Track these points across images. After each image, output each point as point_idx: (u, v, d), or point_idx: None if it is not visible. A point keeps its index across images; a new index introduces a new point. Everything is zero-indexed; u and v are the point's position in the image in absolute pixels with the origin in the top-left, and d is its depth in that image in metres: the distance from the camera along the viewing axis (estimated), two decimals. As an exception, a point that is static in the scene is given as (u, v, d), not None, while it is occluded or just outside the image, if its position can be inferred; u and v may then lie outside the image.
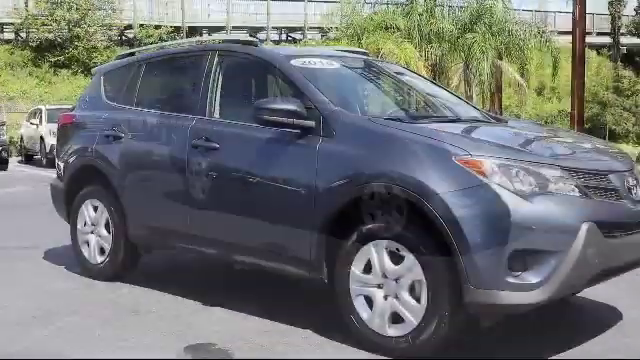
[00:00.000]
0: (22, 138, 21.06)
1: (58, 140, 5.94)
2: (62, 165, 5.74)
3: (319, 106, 4.05)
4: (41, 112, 19.47)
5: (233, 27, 33.46)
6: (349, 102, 4.32)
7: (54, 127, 17.94)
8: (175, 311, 4.61)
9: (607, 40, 38.19)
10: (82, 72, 29.65)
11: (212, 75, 4.72)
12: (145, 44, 33.55)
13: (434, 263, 3.50)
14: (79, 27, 29.12)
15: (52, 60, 29.33)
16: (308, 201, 3.93)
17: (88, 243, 5.51)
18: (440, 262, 3.48)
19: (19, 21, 29.76)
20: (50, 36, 29.26)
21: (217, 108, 4.69)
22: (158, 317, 4.49)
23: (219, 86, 4.72)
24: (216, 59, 4.76)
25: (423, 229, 3.54)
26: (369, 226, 3.73)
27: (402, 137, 3.72)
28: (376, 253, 3.72)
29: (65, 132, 5.84)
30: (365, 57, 5.29)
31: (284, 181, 4.08)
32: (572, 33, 15.80)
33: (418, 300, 3.58)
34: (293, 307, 4.66)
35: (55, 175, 6.04)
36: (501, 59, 20.00)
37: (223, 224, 4.47)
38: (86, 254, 5.52)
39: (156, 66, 5.36)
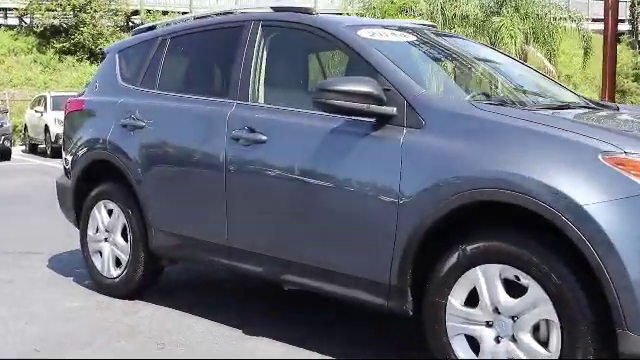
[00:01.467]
0: (26, 127, 20.17)
1: (65, 130, 5.04)
2: (69, 159, 4.84)
3: (401, 88, 3.14)
4: (46, 99, 18.58)
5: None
6: (435, 83, 3.40)
7: (59, 115, 17.16)
8: (209, 342, 3.72)
9: (625, 27, 37.08)
10: (88, 59, 29.34)
11: (255, 51, 3.81)
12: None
13: (572, 298, 2.59)
14: (84, 12, 28.63)
15: (57, 46, 28.99)
16: (389, 211, 3.03)
17: (101, 253, 4.62)
18: (581, 297, 2.58)
19: (23, 6, 29.09)
20: (55, 21, 28.92)
21: (262, 91, 3.79)
22: (188, 350, 3.61)
23: (264, 64, 3.81)
24: (260, 31, 3.85)
25: (556, 251, 2.64)
26: (476, 245, 2.83)
27: (523, 128, 2.81)
28: (485, 281, 2.82)
29: (73, 120, 4.94)
30: (434, 30, 4.36)
31: (355, 185, 3.18)
32: (604, 16, 14.86)
33: (545, 345, 2.69)
34: (354, 336, 3.78)
35: (61, 170, 5.14)
36: (528, 44, 19.00)
37: (272, 236, 3.58)
38: (98, 266, 4.63)
39: (183, 41, 4.44)
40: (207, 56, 4.30)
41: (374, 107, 3.10)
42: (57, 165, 14.85)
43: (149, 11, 31.24)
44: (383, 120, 3.14)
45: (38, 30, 28.96)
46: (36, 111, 18.77)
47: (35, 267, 5.39)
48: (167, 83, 4.39)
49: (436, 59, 3.90)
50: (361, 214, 3.16)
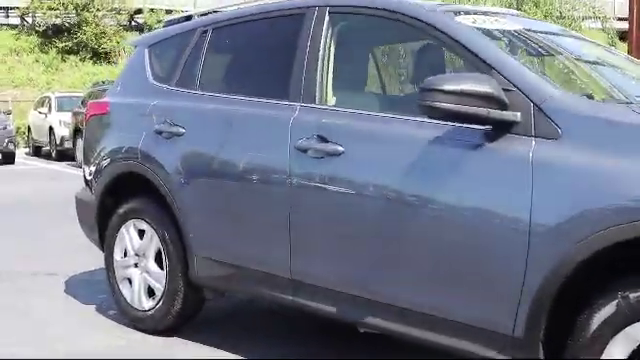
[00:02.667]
0: (29, 128, 19.49)
1: (85, 137, 4.38)
2: (92, 171, 4.18)
3: (527, 88, 2.49)
4: (50, 100, 17.90)
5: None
6: (564, 82, 2.74)
7: (64, 116, 16.59)
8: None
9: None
10: (91, 58, 28.96)
11: (321, 43, 3.16)
12: (156, 29, 32.34)
13: None
14: (87, 11, 28.23)
15: (59, 46, 28.69)
16: (516, 245, 2.38)
17: (130, 280, 3.97)
18: None
19: (25, 5, 28.54)
20: (57, 21, 28.70)
21: (331, 91, 3.14)
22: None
23: (332, 59, 3.16)
24: (327, 19, 3.19)
25: None
26: (643, 293, 2.17)
27: None
28: (657, 340, 2.16)
29: (95, 126, 4.28)
30: (525, 18, 3.70)
31: (467, 210, 2.53)
32: (629, 15, 14.20)
33: None
34: None
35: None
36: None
37: (351, 270, 2.92)
38: (127, 295, 3.97)
39: (228, 33, 3.78)
40: (259, 50, 3.63)
41: (495, 112, 2.45)
42: (64, 169, 14.26)
43: (152, 10, 30.72)
44: (501, 128, 2.48)
45: (40, 29, 28.76)
46: (40, 112, 18.10)
47: (51, 293, 4.73)
48: (210, 82, 3.74)
49: (548, 51, 3.22)
50: (476, 247, 2.51)
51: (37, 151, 18.83)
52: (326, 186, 2.95)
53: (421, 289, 2.69)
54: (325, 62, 3.14)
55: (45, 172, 14.12)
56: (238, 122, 3.40)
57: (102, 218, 4.14)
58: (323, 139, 2.96)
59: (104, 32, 28.96)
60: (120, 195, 4.05)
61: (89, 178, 4.23)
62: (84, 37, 28.20)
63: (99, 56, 29.52)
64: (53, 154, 17.07)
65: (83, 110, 15.03)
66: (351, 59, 3.20)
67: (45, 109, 17.89)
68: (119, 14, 30.08)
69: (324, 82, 3.13)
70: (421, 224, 2.65)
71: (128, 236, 3.96)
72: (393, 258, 2.75)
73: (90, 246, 4.49)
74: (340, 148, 2.90)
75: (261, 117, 3.29)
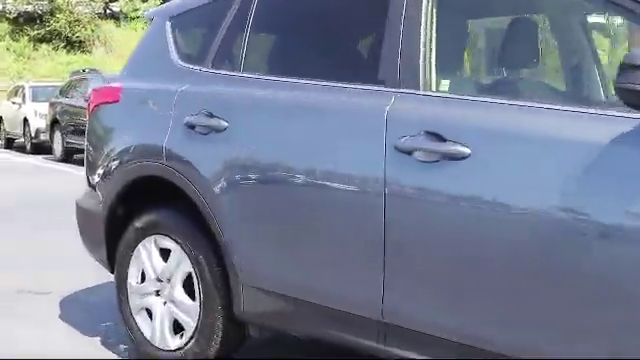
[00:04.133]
0: (1, 119, 18.40)
1: (90, 131, 3.53)
2: (99, 174, 3.34)
3: None
4: (24, 89, 16.83)
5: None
6: None
7: (40, 107, 15.54)
8: None
9: None
10: (64, 47, 28.31)
11: (423, 9, 2.36)
12: (133, 19, 31.36)
13: None
14: (60, -2, 27.14)
15: (31, 34, 28.00)
16: None
17: (149, 312, 3.15)
18: None
19: (-5, -9, 27.48)
20: (29, 8, 27.53)
21: (439, 73, 2.35)
22: None
23: (438, 30, 2.37)
24: (429, -23, 2.40)
25: None
26: None
27: None
28: None
29: (104, 118, 3.45)
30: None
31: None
32: None
33: None
34: None
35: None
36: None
37: (480, 315, 2.14)
38: (146, 330, 3.16)
39: (283, -1, 2.97)
40: (331, 18, 2.82)
41: None
42: (41, 164, 13.24)
43: (129, -3, 29.92)
44: None
45: (11, 16, 28.08)
46: (13, 103, 17.01)
47: (46, 319, 3.89)
48: (260, 62, 2.94)
49: None
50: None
51: (9, 144, 17.74)
52: (443, 200, 2.16)
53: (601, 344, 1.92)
54: (428, 34, 2.35)
55: (21, 167, 13.13)
56: (305, 113, 2.60)
57: (112, 232, 3.32)
58: (437, 137, 2.18)
59: (78, 20, 28.46)
60: (137, 204, 3.23)
61: (95, 182, 3.40)
62: (57, 25, 27.53)
63: (73, 45, 28.70)
64: (28, 147, 16.03)
65: (61, 100, 14.08)
66: (464, 31, 2.42)
67: (19, 99, 16.83)
68: (93, 1, 29.44)
69: (427, 61, 2.34)
70: (594, 261, 1.88)
71: (147, 256, 3.14)
72: (555, 302, 1.98)
73: (82, 257, 3.66)
74: (465, 149, 2.11)
75: (339, 107, 2.50)
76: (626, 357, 1.85)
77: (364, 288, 2.38)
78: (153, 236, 3.13)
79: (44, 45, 28.13)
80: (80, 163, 12.90)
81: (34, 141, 15.55)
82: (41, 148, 15.18)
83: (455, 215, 2.14)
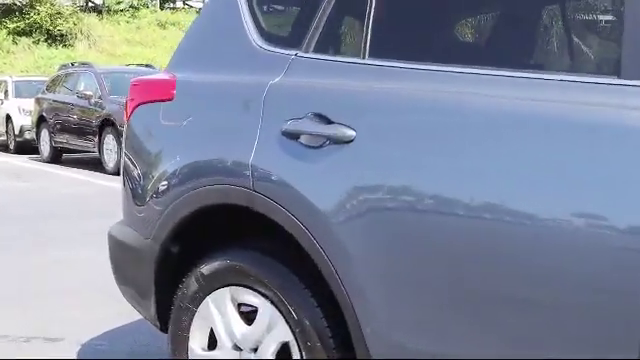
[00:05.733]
0: (-19, 117, 17.28)
1: (130, 141, 2.60)
2: (147, 199, 2.45)
3: None
4: (6, 85, 15.74)
5: None
6: None
7: (24, 103, 14.44)
8: None
9: None
10: (45, 40, 27.12)
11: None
12: (115, 12, 30.34)
13: None
14: (41, -10, 26.27)
15: (10, 27, 27.29)
16: None
17: (225, 392, 2.26)
18: None
19: (-29, -19, 26.50)
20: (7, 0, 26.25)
21: None
22: None
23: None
24: None
25: None
26: None
27: None
28: None
29: (151, 122, 2.54)
30: None
31: None
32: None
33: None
34: None
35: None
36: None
37: None
38: (219, 418, 2.27)
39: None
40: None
41: None
42: (27, 164, 12.18)
43: (111, -9, 29.05)
44: None
45: None
46: (-6, 99, 15.93)
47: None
48: (398, 43, 2.04)
49: None
50: None
51: (-10, 143, 16.67)
52: None
53: None
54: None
55: (5, 167, 12.10)
56: (488, 118, 1.73)
57: (166, 278, 2.42)
58: None
59: (59, 13, 27.45)
60: (203, 242, 2.34)
61: (140, 209, 2.50)
62: (37, 18, 26.66)
63: (54, 38, 27.78)
64: (11, 146, 14.96)
65: (48, 96, 13.06)
66: None
67: (0, 95, 15.74)
68: (75, -6, 28.36)
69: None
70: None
71: (220, 315, 2.26)
72: None
73: (113, 289, 2.76)
74: None
75: (547, 108, 1.63)
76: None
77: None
78: (228, 287, 2.24)
79: (24, 38, 27.22)
80: (70, 164, 12.03)
81: (18, 139, 14.50)
82: (25, 147, 14.16)
83: None
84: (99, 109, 11.31)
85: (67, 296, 4.17)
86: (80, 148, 12.10)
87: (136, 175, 2.52)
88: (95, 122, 11.32)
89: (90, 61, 15.07)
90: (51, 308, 3.97)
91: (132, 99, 2.60)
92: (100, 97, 11.36)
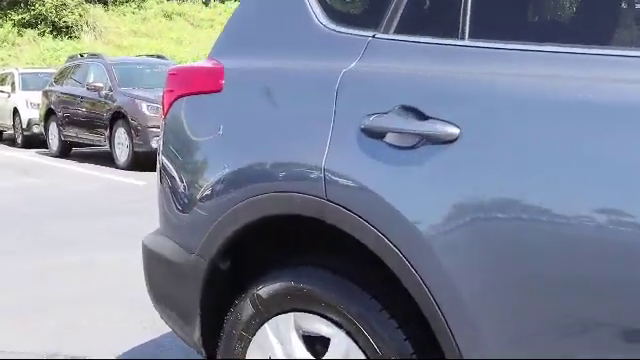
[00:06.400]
0: (-13, 110, 16.95)
1: (169, 139, 2.25)
2: (191, 207, 2.09)
3: None
4: (13, 77, 15.40)
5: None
6: None
7: (31, 96, 14.09)
8: None
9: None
10: (50, 32, 27.01)
11: None
12: (121, 3, 29.96)
13: None
14: (46, -19, 26.11)
15: (15, 19, 27.02)
16: None
17: None
18: None
19: (-24, -27, 26.32)
20: None
21: None
22: None
23: None
24: None
25: None
26: None
27: None
28: None
29: (195, 117, 2.18)
30: None
31: None
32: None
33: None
34: None
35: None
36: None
37: None
38: None
39: None
40: None
41: None
42: (36, 159, 11.81)
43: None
44: None
45: None
46: (1, 92, 15.58)
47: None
48: (509, 21, 1.68)
49: None
50: None
51: (-3, 136, 16.38)
52: None
53: None
54: None
55: (12, 162, 11.76)
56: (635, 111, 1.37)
57: (214, 299, 2.08)
58: None
59: (65, 4, 27.14)
60: (260, 258, 1.99)
61: (182, 218, 2.15)
62: (43, 9, 26.58)
63: (60, 30, 27.54)
64: (18, 140, 14.64)
65: (56, 88, 12.70)
66: None
67: (7, 88, 15.39)
68: (81, -16, 28.08)
69: None
70: None
71: (281, 345, 1.91)
72: None
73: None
74: None
75: None
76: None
77: None
78: (292, 313, 1.89)
79: (29, 30, 27.03)
80: (79, 159, 11.65)
81: (26, 133, 14.17)
82: (33, 141, 13.83)
83: None
84: (110, 101, 10.96)
85: (85, 305, 3.83)
86: (90, 142, 11.75)
87: (178, 179, 2.17)
88: (106, 115, 10.97)
89: (99, 52, 14.69)
90: (69, 317, 3.63)
91: (170, 90, 2.24)
92: (110, 89, 11.00)
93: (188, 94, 2.17)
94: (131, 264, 4.26)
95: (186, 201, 2.12)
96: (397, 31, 1.79)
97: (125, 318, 3.58)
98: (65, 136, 12.17)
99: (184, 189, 2.13)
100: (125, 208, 6.82)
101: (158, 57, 13.09)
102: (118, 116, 10.67)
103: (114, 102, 10.84)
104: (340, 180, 1.72)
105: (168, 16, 30.57)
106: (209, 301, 2.09)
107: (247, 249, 2.04)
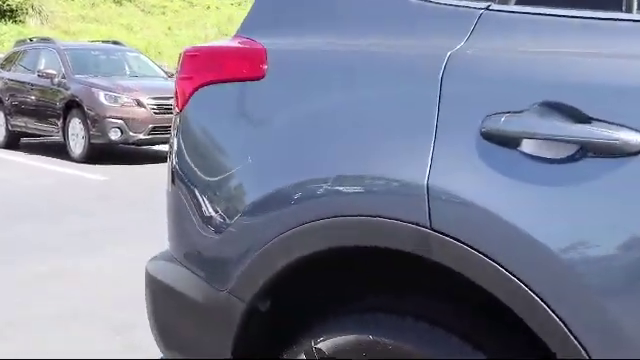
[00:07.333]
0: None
1: (186, 140, 1.75)
2: (219, 229, 1.60)
3: None
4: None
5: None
6: None
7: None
8: None
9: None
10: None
11: None
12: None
13: None
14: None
15: None
16: None
17: None
18: None
19: None
20: None
21: None
22: None
23: None
24: None
25: None
26: None
27: None
28: None
29: (226, 113, 1.68)
30: None
31: None
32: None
33: None
34: None
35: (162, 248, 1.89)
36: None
37: None
38: None
39: None
40: None
41: None
42: (28, 161, 10.89)
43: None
44: None
45: None
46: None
47: None
48: None
49: None
50: None
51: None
52: None
53: None
54: None
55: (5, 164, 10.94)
56: None
57: (252, 349, 1.60)
58: None
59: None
60: (320, 301, 1.53)
61: (206, 243, 1.66)
62: None
63: (3, 14, 26.25)
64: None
65: (3, 75, 11.87)
66: None
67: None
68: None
69: None
70: None
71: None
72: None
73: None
74: None
75: None
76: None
77: None
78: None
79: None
80: (29, 150, 10.86)
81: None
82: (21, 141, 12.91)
83: None
84: (63, 89, 10.25)
85: (57, 324, 3.29)
86: (41, 132, 11.00)
87: (202, 192, 1.67)
88: (59, 104, 10.25)
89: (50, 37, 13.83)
90: (38, 338, 3.10)
91: (189, 77, 1.74)
92: (64, 76, 10.29)
93: (215, 81, 1.68)
94: (109, 273, 3.75)
95: (215, 222, 1.63)
96: (520, 1, 1.34)
97: (106, 339, 3.06)
98: (13, 126, 11.39)
99: (212, 207, 1.64)
100: (91, 206, 6.24)
101: (114, 43, 12.36)
102: (72, 105, 9.98)
103: (68, 90, 10.14)
104: (452, 203, 1.26)
105: (118, 2, 29.59)
106: (243, 350, 1.61)
107: (294, 288, 1.57)
